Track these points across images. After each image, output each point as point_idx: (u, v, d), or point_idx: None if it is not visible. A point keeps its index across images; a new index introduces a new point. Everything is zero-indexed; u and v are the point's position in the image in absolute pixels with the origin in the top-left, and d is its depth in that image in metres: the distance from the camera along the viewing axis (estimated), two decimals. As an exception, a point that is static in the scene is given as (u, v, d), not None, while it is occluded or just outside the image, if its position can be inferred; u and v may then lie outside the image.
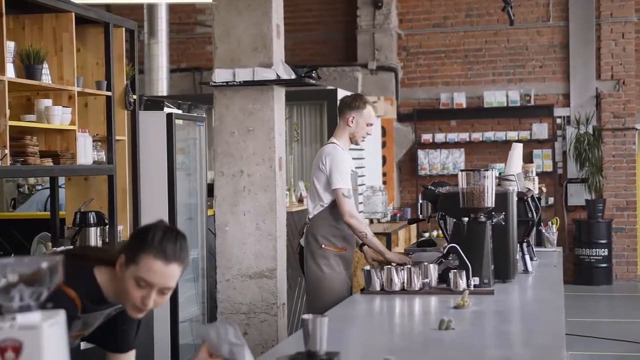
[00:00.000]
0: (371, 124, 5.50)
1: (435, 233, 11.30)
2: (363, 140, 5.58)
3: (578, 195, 12.94)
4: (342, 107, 5.51)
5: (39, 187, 8.40)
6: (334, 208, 5.33)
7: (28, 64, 5.09)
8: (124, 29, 6.17)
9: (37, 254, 5.73)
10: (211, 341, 2.47)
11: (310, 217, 5.48)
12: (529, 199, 5.26)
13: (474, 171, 4.57)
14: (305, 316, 2.84)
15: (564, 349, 3.10)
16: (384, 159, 12.70)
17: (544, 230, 6.54)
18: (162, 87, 11.42)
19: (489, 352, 3.11)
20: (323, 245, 5.40)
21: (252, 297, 5.73)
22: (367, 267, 4.52)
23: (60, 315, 1.82)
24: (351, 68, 13.14)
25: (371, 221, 10.53)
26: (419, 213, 5.43)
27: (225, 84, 5.68)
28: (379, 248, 5.35)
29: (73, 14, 5.48)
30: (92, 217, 5.66)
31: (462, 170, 4.60)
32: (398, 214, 11.07)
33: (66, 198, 6.12)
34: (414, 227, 11.39)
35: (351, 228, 5.31)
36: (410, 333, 3.64)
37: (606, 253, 12.59)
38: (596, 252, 12.56)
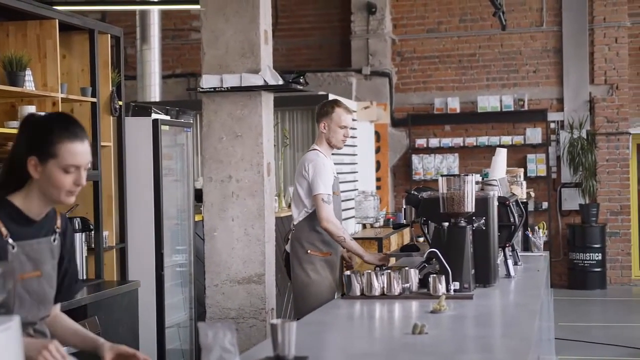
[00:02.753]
0: (344, 126, 5.51)
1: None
2: (344, 143, 5.59)
3: (572, 200, 12.94)
4: (316, 114, 5.60)
5: None
6: (318, 214, 5.37)
7: (10, 71, 5.10)
8: (109, 35, 6.18)
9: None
10: (205, 340, 2.48)
11: (295, 223, 5.52)
12: (512, 204, 5.27)
13: (454, 176, 4.58)
14: (274, 321, 2.87)
15: (532, 352, 3.11)
16: (378, 164, 12.72)
17: (530, 235, 6.54)
18: (154, 93, 11.42)
19: (457, 356, 3.12)
20: (309, 251, 5.45)
21: (240, 303, 5.74)
22: (348, 272, 4.53)
23: (14, 321, 1.84)
24: (345, 73, 13.17)
25: (364, 226, 10.54)
26: (403, 218, 5.45)
27: (213, 89, 5.70)
28: (357, 252, 5.40)
29: (57, 20, 5.50)
30: (77, 223, 5.67)
31: (442, 175, 4.62)
32: (391, 219, 11.06)
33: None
34: (407, 232, 11.38)
35: (329, 233, 5.35)
36: (384, 338, 3.66)
37: (600, 257, 12.59)
38: (590, 256, 12.56)
